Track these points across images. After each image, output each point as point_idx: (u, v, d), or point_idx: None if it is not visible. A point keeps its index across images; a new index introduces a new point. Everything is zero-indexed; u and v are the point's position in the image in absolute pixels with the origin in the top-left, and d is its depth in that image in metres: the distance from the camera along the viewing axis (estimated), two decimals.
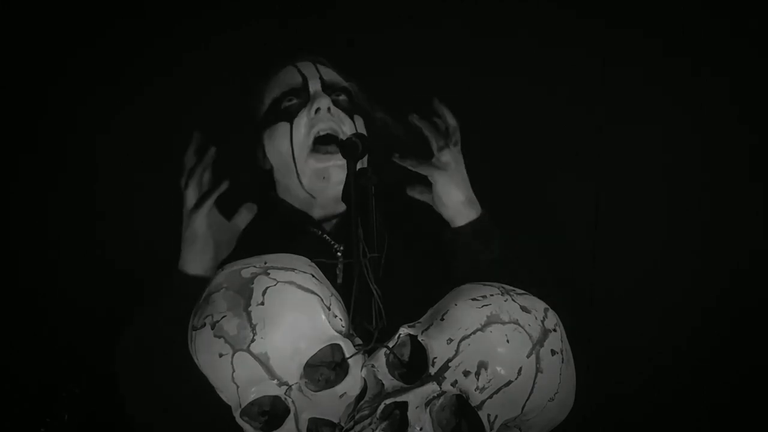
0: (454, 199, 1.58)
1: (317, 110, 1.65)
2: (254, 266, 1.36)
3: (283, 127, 1.67)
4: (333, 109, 1.66)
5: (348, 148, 1.53)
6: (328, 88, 1.69)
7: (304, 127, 1.65)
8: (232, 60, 2.17)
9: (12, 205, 2.22)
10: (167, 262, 1.61)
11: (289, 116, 1.66)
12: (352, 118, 1.67)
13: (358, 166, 1.56)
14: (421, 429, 1.27)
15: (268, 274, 1.35)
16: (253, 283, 1.33)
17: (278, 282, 1.34)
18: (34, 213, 2.21)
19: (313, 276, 1.40)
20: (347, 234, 1.51)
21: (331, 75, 1.73)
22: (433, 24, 2.14)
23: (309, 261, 1.44)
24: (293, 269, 1.37)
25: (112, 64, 2.23)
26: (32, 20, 2.18)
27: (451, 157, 1.56)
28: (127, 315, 1.59)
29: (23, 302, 2.18)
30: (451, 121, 1.58)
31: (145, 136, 2.21)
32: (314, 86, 1.68)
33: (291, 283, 1.34)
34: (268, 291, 1.32)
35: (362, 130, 1.68)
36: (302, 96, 1.68)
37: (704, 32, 1.92)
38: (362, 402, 1.34)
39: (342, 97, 1.70)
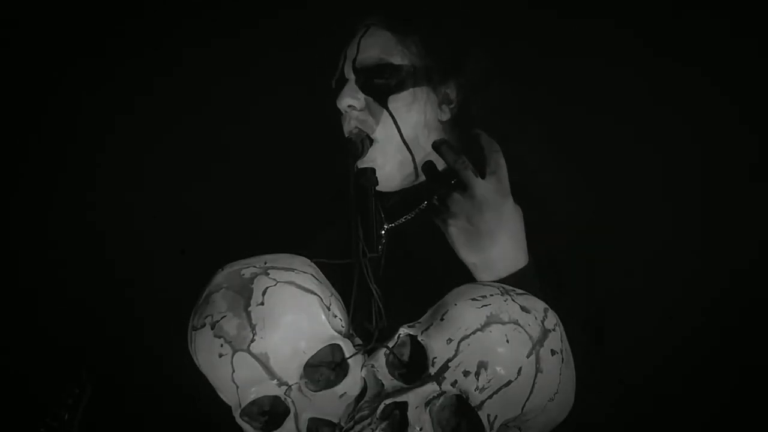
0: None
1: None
2: (254, 266, 1.36)
3: None
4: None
5: (348, 147, 1.53)
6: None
7: None
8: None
9: (12, 205, 2.22)
10: (167, 262, 1.61)
11: None
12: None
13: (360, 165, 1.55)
14: (421, 429, 1.27)
15: (268, 274, 1.35)
16: (253, 283, 1.33)
17: (278, 282, 1.34)
18: (34, 213, 2.21)
19: (313, 276, 1.40)
20: (347, 234, 1.51)
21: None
22: None
23: (309, 261, 1.43)
24: (293, 269, 1.37)
25: (115, 63, 2.23)
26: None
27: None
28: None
29: (23, 302, 2.18)
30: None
31: (147, 136, 2.21)
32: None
33: (291, 283, 1.34)
34: (267, 291, 1.33)
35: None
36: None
37: (702, 33, 1.88)
38: (362, 402, 1.34)
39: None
